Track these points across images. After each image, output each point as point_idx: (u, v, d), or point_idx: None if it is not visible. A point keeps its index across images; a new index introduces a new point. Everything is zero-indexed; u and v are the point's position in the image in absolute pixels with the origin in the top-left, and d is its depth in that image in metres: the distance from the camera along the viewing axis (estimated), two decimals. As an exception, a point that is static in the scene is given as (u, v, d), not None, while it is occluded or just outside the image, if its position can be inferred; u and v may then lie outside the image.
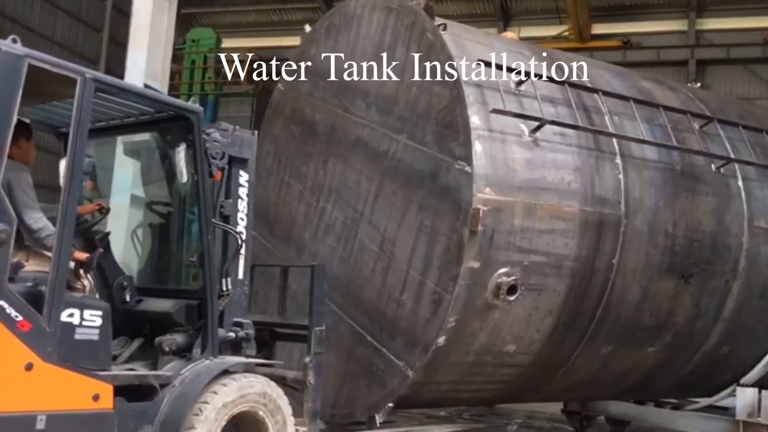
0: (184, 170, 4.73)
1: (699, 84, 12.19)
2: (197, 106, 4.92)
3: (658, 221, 6.58)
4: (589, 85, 6.68)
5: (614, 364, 7.01)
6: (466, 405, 9.08)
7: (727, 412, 8.23)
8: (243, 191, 5.29)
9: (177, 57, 18.62)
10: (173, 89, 18.53)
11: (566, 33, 19.79)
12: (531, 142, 5.95)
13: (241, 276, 5.24)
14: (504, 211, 5.74)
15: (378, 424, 6.12)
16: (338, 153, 7.00)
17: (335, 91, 7.15)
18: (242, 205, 5.28)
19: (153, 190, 5.65)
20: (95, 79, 4.30)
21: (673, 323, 7.02)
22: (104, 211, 5.21)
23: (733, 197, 7.13)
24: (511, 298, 5.84)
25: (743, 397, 7.42)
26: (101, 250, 4.80)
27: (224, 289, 5.12)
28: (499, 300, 5.81)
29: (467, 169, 5.61)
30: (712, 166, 7.05)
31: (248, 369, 5.01)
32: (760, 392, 7.41)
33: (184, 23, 22.16)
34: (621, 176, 6.38)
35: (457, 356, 6.04)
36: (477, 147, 5.64)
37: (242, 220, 5.26)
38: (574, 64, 7.00)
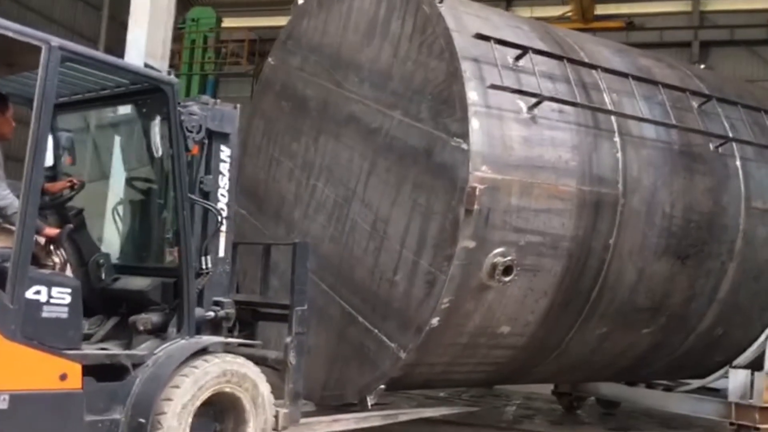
0: (159, 144, 4.60)
1: (703, 66, 12.03)
2: (172, 78, 4.77)
3: (655, 201, 6.47)
4: (587, 61, 6.51)
5: (608, 346, 6.93)
6: (458, 386, 9.01)
7: (718, 393, 8.23)
8: (224, 167, 5.13)
9: (177, 36, 18.46)
10: (173, 68, 18.27)
11: (569, 13, 19.63)
12: (529, 119, 5.80)
13: (222, 254, 5.09)
14: (500, 190, 5.60)
15: (369, 407, 6.01)
16: (330, 129, 6.83)
17: (327, 65, 6.95)
18: (223, 181, 5.12)
19: (133, 165, 5.47)
20: (62, 47, 4.11)
21: (668, 305, 6.94)
22: (77, 187, 5.04)
23: (730, 177, 7.03)
24: (507, 278, 5.72)
25: (736, 379, 7.38)
26: (71, 225, 4.65)
27: (204, 267, 4.99)
28: (494, 281, 5.70)
29: (464, 146, 5.46)
30: (711, 146, 6.94)
31: (227, 349, 4.89)
32: (752, 374, 7.39)
33: (184, 2, 21.91)
34: (619, 155, 6.25)
35: (451, 338, 5.93)
36: (474, 123, 5.49)
37: (223, 196, 5.11)
38: (573, 40, 6.84)
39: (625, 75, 6.43)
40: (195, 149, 4.92)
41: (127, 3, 8.00)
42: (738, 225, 7.05)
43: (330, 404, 6.41)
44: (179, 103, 4.79)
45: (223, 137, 5.12)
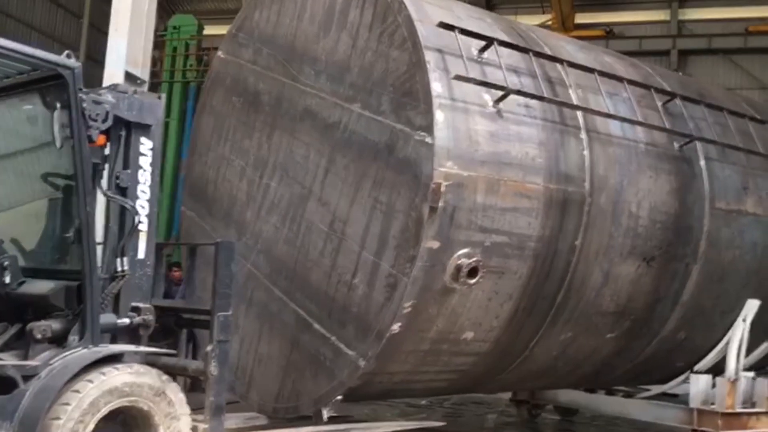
0: (58, 135, 4.24)
1: (680, 74, 12.17)
2: (71, 61, 4.38)
3: (621, 201, 6.28)
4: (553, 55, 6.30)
5: (572, 351, 6.70)
6: (418, 396, 8.73)
7: (677, 399, 8.12)
8: (144, 161, 4.77)
9: (158, 44, 18.28)
10: (155, 76, 17.93)
11: (550, 22, 19.78)
12: (494, 113, 5.54)
13: (141, 256, 4.74)
14: (466, 187, 5.32)
15: (325, 419, 5.65)
16: (284, 125, 6.46)
17: (281, 58, 6.59)
18: (143, 177, 4.76)
19: (44, 159, 5.03)
20: None
21: (632, 308, 6.76)
22: None
23: (695, 177, 6.90)
24: (472, 281, 5.43)
25: (697, 385, 7.27)
26: None
27: (120, 269, 4.63)
28: (458, 283, 5.40)
29: (428, 140, 5.16)
30: (675, 145, 6.79)
31: (148, 360, 4.56)
32: (714, 379, 7.28)
33: (165, 10, 21.78)
34: (586, 152, 6.04)
35: (412, 344, 5.61)
36: (438, 116, 5.20)
37: (144, 193, 4.74)
38: (537, 35, 6.63)
39: (590, 70, 6.24)
40: (101, 140, 4.53)
41: (108, 11, 7.84)
42: (702, 226, 6.92)
43: (283, 417, 6.06)
44: (81, 89, 4.40)
45: (143, 129, 4.76)
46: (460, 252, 5.39)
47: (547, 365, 6.73)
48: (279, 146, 6.45)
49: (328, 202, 5.83)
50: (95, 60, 19.60)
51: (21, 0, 20.07)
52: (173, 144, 18.95)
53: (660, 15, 20.43)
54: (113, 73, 7.22)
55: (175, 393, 4.46)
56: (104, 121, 4.51)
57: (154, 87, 15.11)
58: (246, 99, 6.96)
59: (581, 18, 20.31)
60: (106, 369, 4.22)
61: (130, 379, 4.26)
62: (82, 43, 21.90)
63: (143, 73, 7.46)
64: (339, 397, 5.63)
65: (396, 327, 5.34)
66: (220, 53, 7.46)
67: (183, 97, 19.99)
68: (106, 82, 7.89)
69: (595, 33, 19.85)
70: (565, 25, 19.64)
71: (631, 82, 6.55)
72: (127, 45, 7.34)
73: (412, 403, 9.00)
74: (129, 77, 7.30)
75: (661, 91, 6.87)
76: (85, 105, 4.40)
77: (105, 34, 7.70)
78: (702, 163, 6.96)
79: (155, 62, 19.05)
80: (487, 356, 6.14)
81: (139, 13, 7.54)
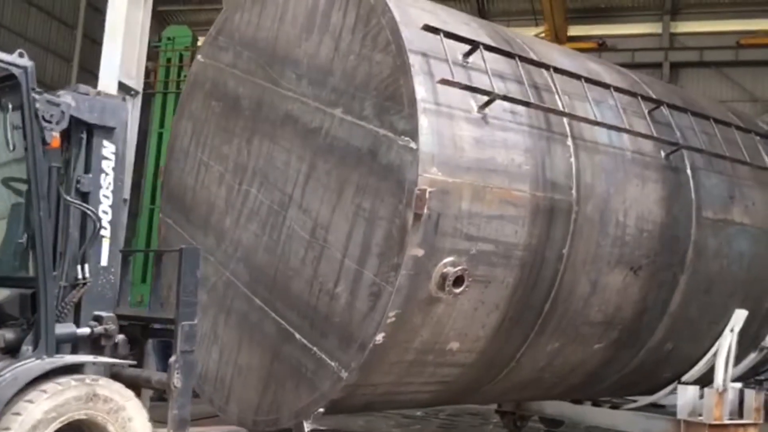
0: (10, 137, 4.12)
1: (666, 83, 12.26)
2: (24, 60, 4.24)
3: (609, 209, 6.18)
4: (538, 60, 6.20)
5: (559, 362, 6.58)
6: (402, 408, 8.58)
7: (665, 410, 8.03)
8: (107, 165, 4.63)
9: (152, 55, 18.25)
10: (149, 87, 17.85)
11: (543, 34, 19.89)
12: (480, 119, 5.42)
13: (104, 263, 4.60)
14: (451, 194, 5.18)
15: (306, 432, 5.48)
16: (265, 130, 6.31)
17: (262, 62, 6.45)
18: (106, 181, 4.61)
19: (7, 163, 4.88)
20: None
21: (620, 318, 6.65)
22: None
23: (682, 186, 6.82)
24: (457, 290, 5.29)
25: (684, 396, 7.20)
26: None
27: (81, 277, 4.47)
28: (444, 292, 5.26)
29: (412, 145, 5.02)
30: (662, 153, 6.71)
31: (113, 371, 4.43)
32: (702, 390, 7.19)
33: (159, 21, 21.66)
34: (572, 159, 5.93)
35: (397, 355, 5.46)
36: (423, 121, 5.06)
37: (106, 198, 4.60)
38: (522, 41, 6.54)
39: (577, 77, 6.15)
40: (55, 142, 4.36)
41: (102, 21, 7.83)
42: (689, 236, 6.84)
43: (263, 430, 5.87)
44: (34, 89, 4.25)
45: (106, 132, 4.62)
46: (446, 260, 5.25)
47: (533, 376, 6.60)
48: (259, 152, 6.30)
49: (309, 209, 5.68)
50: (89, 71, 19.69)
51: (15, 11, 20.00)
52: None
53: (652, 28, 20.62)
54: (107, 83, 7.19)
55: (135, 406, 4.29)
56: (59, 122, 4.35)
57: (147, 98, 15.00)
58: (226, 104, 6.80)
59: (574, 30, 20.46)
60: (63, 380, 4.07)
61: (86, 391, 4.10)
62: (75, 54, 21.90)
63: (137, 83, 7.44)
64: (321, 410, 5.47)
65: (379, 337, 5.19)
66: (199, 57, 7.31)
67: (177, 108, 19.92)
68: None
69: (588, 45, 19.95)
70: (559, 38, 19.81)
71: (618, 90, 6.47)
72: (121, 56, 7.33)
73: (408, 414, 8.87)
74: (123, 88, 7.28)
75: (647, 99, 6.80)
76: (38, 106, 4.25)
77: (99, 44, 7.69)
78: (688, 171, 6.89)
79: (149, 73, 18.96)
80: (473, 367, 6.00)
81: (134, 25, 7.53)
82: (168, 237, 7.25)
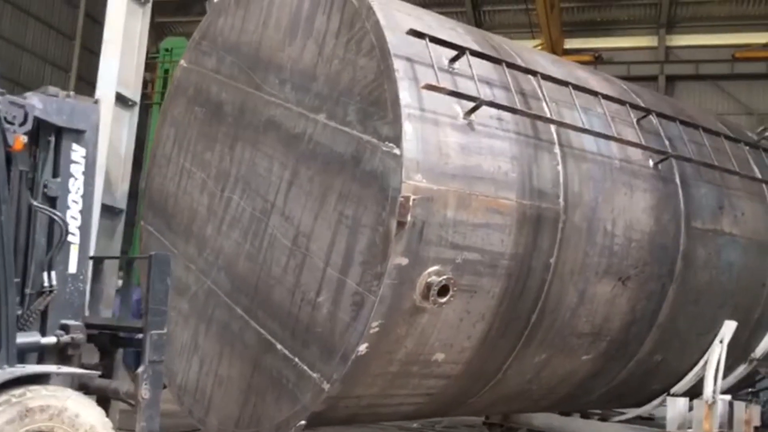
0: None
1: (655, 91, 12.30)
2: None
3: (596, 218, 6.08)
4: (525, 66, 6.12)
5: (547, 373, 6.46)
6: (386, 421, 8.42)
7: (653, 422, 7.93)
8: (77, 169, 4.50)
9: (150, 66, 18.28)
10: (146, 98, 17.81)
11: (539, 47, 19.97)
12: (466, 125, 5.32)
13: (73, 270, 4.46)
14: (436, 201, 5.07)
15: (287, 445, 5.34)
16: (247, 136, 6.19)
17: (245, 66, 6.34)
18: (75, 186, 4.49)
19: None
20: None
21: (608, 329, 6.54)
22: None
23: (670, 195, 6.73)
24: (442, 300, 5.17)
25: (674, 408, 7.11)
26: None
27: (47, 284, 4.34)
28: (428, 302, 5.14)
29: (396, 151, 4.91)
30: (650, 162, 6.63)
31: (82, 381, 4.29)
32: (691, 402, 7.10)
33: (157, 32, 21.93)
34: (560, 167, 5.84)
35: (380, 366, 5.33)
36: (407, 127, 4.96)
37: (75, 203, 4.47)
38: (510, 47, 6.46)
39: (565, 84, 6.06)
40: (18, 144, 4.21)
41: (100, 32, 7.80)
42: (678, 245, 6.75)
43: (243, 443, 5.71)
44: None
45: (76, 135, 4.49)
46: (430, 269, 5.13)
47: (521, 388, 6.48)
48: (241, 158, 6.18)
49: (291, 217, 5.55)
50: (87, 81, 19.84)
51: (13, 21, 20.06)
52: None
53: (648, 41, 20.84)
54: (104, 94, 7.15)
55: (76, 401, 4.12)
56: (22, 124, 4.22)
57: (145, 108, 14.97)
58: (208, 109, 6.68)
59: (570, 43, 20.65)
60: (23, 390, 3.91)
61: (47, 402, 3.95)
62: (74, 65, 22.05)
63: (134, 94, 7.41)
64: (302, 423, 5.33)
65: (362, 348, 5.06)
66: (182, 62, 7.19)
67: (159, 114, 19.89)
68: None
69: (584, 58, 20.16)
70: (555, 50, 20.07)
71: (606, 97, 6.39)
72: (119, 66, 7.30)
73: (403, 426, 8.72)
74: (120, 98, 7.24)
75: (635, 107, 6.73)
76: (0, 107, 4.13)
77: (97, 55, 7.68)
78: (677, 181, 6.81)
79: (146, 84, 19.11)
80: (459, 379, 5.87)
81: (132, 36, 7.52)
82: (149, 244, 7.10)
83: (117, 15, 7.46)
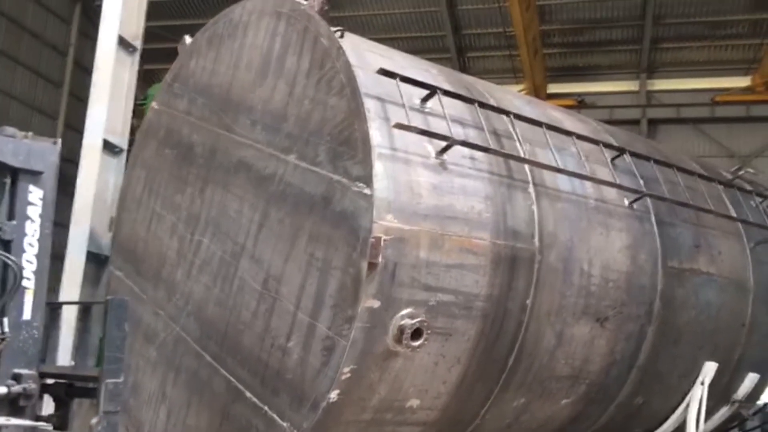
0: None
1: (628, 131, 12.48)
2: None
3: (573, 258, 6.00)
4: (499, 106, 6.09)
5: (526, 419, 6.30)
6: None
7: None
8: (33, 211, 4.38)
9: (138, 112, 18.22)
10: (133, 144, 17.86)
11: (523, 92, 20.29)
12: (438, 165, 5.25)
13: (27, 316, 4.30)
14: (408, 242, 4.97)
15: (257, 498, 5.11)
16: (218, 178, 6.09)
17: (216, 108, 6.27)
18: (32, 228, 4.36)
19: None
20: None
21: (587, 372, 6.41)
22: None
23: (646, 234, 6.68)
24: (416, 343, 5.03)
25: (656, 452, 6.94)
26: None
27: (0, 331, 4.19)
28: (401, 346, 4.99)
29: (366, 191, 4.82)
30: (625, 201, 6.59)
31: None
32: (673, 446, 6.97)
33: (145, 79, 22.08)
34: (534, 207, 5.77)
35: (352, 414, 5.15)
36: (378, 167, 4.88)
37: (31, 246, 4.34)
38: (482, 87, 6.45)
39: (538, 123, 6.04)
40: None
41: (88, 80, 7.81)
42: (656, 285, 6.67)
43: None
44: None
45: (32, 176, 4.38)
46: (403, 312, 5.00)
47: (499, 435, 6.31)
48: (212, 200, 6.06)
49: (261, 259, 5.42)
50: (74, 129, 19.85)
51: (2, 69, 20.14)
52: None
53: (630, 86, 21.35)
54: (92, 141, 7.11)
55: None
56: None
57: None
58: (179, 151, 6.59)
59: (554, 88, 21.08)
60: None
61: None
62: (61, 112, 22.06)
63: (122, 141, 7.37)
64: (272, 474, 5.12)
65: (334, 395, 4.89)
66: (154, 104, 7.12)
67: (129, 158, 19.82)
68: (84, 151, 7.68)
69: (567, 102, 20.54)
70: (538, 95, 20.52)
71: (580, 137, 6.37)
72: (107, 114, 7.30)
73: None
74: (107, 145, 7.18)
75: (609, 146, 6.71)
76: None
77: (85, 102, 7.66)
78: (653, 219, 6.76)
79: (134, 130, 18.82)
80: (435, 425, 5.69)
81: (120, 83, 7.57)
82: (118, 290, 6.93)
83: (105, 63, 7.52)
